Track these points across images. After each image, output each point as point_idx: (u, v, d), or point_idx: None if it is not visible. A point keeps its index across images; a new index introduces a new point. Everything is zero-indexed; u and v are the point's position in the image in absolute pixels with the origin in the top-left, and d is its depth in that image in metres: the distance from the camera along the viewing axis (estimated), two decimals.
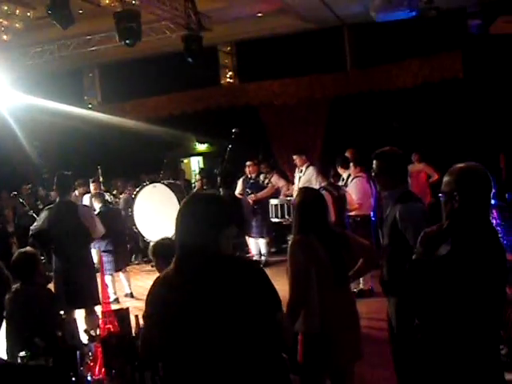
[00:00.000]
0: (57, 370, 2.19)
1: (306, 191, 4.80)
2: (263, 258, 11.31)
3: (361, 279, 8.23)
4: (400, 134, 12.31)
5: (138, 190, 11.83)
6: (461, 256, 3.05)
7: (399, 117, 13.16)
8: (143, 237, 11.96)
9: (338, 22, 13.76)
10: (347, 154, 9.77)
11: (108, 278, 9.18)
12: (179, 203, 9.55)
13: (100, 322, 4.70)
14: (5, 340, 5.00)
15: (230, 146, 9.67)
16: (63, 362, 4.12)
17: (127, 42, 10.14)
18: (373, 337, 5.25)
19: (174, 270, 2.78)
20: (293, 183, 11.67)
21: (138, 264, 13.03)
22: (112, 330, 4.52)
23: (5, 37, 12.06)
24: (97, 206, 9.98)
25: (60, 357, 4.14)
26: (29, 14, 11.95)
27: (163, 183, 11.65)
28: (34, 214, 10.30)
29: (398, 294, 4.35)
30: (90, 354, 4.38)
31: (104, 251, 9.68)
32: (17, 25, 11.99)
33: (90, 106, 17.11)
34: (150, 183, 11.75)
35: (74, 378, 4.12)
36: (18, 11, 11.83)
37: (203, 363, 2.62)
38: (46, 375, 2.02)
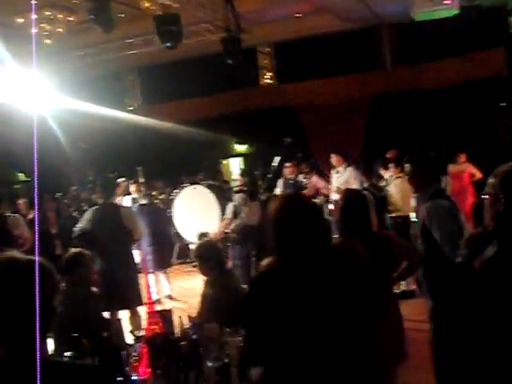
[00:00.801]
0: (103, 369, 2.20)
1: (349, 193, 4.78)
2: None
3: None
4: (441, 133, 12.16)
5: (177, 191, 11.92)
6: (508, 258, 3.01)
7: (440, 116, 13.01)
8: (183, 238, 12.04)
9: (377, 21, 13.65)
10: (389, 155, 9.69)
11: (150, 278, 9.24)
12: (219, 204, 9.60)
13: (145, 322, 4.76)
14: (53, 340, 5.07)
15: (279, 157, 9.66)
16: (109, 362, 4.18)
17: (168, 44, 10.23)
18: (415, 339, 5.19)
19: (285, 267, 2.89)
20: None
21: (178, 264, 13.10)
22: (157, 330, 4.58)
23: (47, 41, 12.27)
24: (137, 206, 10.08)
25: (106, 357, 4.20)
26: (71, 18, 12.15)
27: (203, 184, 11.72)
28: (78, 216, 10.45)
29: (434, 295, 4.32)
30: (135, 354, 4.43)
31: (146, 251, 9.74)
32: (59, 29, 12.20)
33: (130, 108, 17.31)
34: (190, 185, 11.83)
35: (119, 378, 4.18)
36: (60, 16, 12.03)
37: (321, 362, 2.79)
38: (92, 374, 2.04)
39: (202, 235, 10.38)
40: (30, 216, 11.09)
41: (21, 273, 1.94)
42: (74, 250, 5.87)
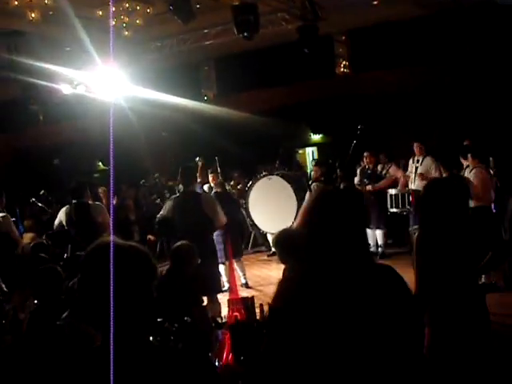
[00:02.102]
0: (189, 353, 2.20)
1: (433, 183, 4.67)
2: (380, 249, 11.15)
3: None
4: None
5: (252, 182, 11.96)
6: None
7: None
8: (259, 228, 12.09)
9: (455, 5, 13.26)
10: (466, 143, 9.47)
11: (221, 267, 9.25)
12: (295, 194, 9.58)
13: (226, 309, 4.82)
14: None
15: (354, 142, 9.58)
16: (194, 347, 4.25)
17: (245, 34, 10.28)
18: (496, 332, 5.05)
19: (318, 274, 2.51)
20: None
21: (254, 253, 13.17)
22: (239, 317, 4.64)
23: (126, 33, 12.55)
24: (213, 195, 10.16)
25: (191, 342, 4.28)
26: (148, 10, 12.38)
27: (278, 175, 11.71)
28: (161, 203, 10.59)
29: None
30: (218, 340, 4.50)
31: (218, 240, 9.74)
32: (137, 21, 12.45)
33: (206, 98, 17.50)
34: (265, 176, 11.83)
35: (204, 363, 4.25)
36: (138, 7, 12.28)
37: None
38: (180, 358, 2.05)
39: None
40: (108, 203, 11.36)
41: (122, 258, 1.97)
42: (183, 242, 6.00)
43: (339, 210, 2.54)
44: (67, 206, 8.13)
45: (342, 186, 8.63)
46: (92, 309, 2.02)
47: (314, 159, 18.03)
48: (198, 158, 10.01)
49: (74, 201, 8.05)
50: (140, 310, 2.04)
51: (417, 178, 10.43)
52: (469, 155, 9.01)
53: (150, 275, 2.08)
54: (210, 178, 11.36)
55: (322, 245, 2.53)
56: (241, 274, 10.20)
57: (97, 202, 8.66)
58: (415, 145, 10.84)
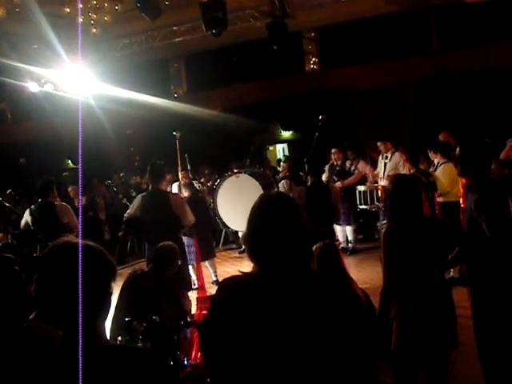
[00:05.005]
0: (156, 353, 2.20)
1: (399, 178, 4.71)
2: (350, 245, 11.23)
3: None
4: (492, 117, 11.92)
5: (220, 180, 11.90)
6: None
7: (491, 99, 12.73)
8: (228, 226, 12.06)
9: (422, 3, 13.39)
10: (441, 138, 9.53)
11: (190, 268, 9.20)
12: (264, 191, 9.51)
13: (195, 307, 4.81)
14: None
15: (316, 134, 9.61)
16: (161, 346, 4.24)
17: (214, 31, 10.27)
18: (464, 325, 5.11)
19: (262, 279, 2.41)
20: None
21: (225, 251, 13.16)
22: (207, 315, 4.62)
23: (94, 30, 12.43)
24: (185, 194, 10.11)
25: (158, 341, 4.26)
26: (117, 7, 12.27)
27: (246, 172, 11.68)
28: (127, 202, 10.52)
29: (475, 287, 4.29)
30: (186, 339, 4.48)
31: (188, 242, 9.68)
32: (105, 18, 12.34)
33: (175, 95, 17.43)
34: (233, 174, 11.78)
35: (172, 362, 4.24)
36: (106, 4, 12.16)
37: None
38: (145, 358, 2.05)
39: None
40: (78, 203, 11.25)
41: (77, 257, 1.97)
42: (167, 243, 6.00)
43: (273, 216, 2.45)
44: (32, 206, 8.05)
45: (309, 182, 8.63)
46: (50, 308, 2.04)
47: (284, 155, 18.07)
48: (175, 132, 9.80)
49: (39, 200, 7.95)
50: (98, 307, 2.07)
51: (384, 178, 10.50)
52: (438, 151, 9.12)
53: (106, 273, 2.10)
54: (181, 176, 11.30)
55: (256, 249, 2.45)
56: (212, 271, 10.17)
57: (63, 203, 8.52)
58: (379, 144, 10.95)
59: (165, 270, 5.64)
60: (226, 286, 2.49)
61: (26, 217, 7.95)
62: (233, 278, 2.50)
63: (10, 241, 7.65)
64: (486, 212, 4.18)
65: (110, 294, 2.11)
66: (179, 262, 6.01)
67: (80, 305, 1.93)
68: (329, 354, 2.35)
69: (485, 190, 4.31)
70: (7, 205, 10.38)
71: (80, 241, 2.07)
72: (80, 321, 1.92)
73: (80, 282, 1.94)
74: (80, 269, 1.95)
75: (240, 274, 2.51)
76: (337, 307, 2.42)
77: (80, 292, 1.94)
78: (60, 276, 1.98)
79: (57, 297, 2.00)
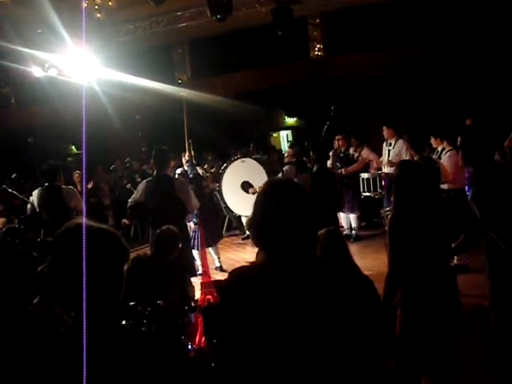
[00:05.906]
0: (160, 336, 2.20)
1: (405, 164, 4.69)
2: (354, 232, 11.24)
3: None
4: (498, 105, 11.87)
5: (226, 164, 11.91)
6: None
7: (496, 84, 12.67)
8: (232, 212, 12.07)
9: None
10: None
11: (195, 253, 9.23)
12: (268, 176, 9.53)
13: (199, 292, 4.83)
14: None
15: (327, 123, 9.60)
16: (166, 330, 4.26)
17: (218, 16, 10.22)
18: (466, 313, 5.13)
19: (274, 268, 2.37)
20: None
21: (228, 237, 13.17)
22: (211, 300, 4.64)
23: (98, 15, 12.36)
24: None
25: (163, 325, 4.28)
26: None
27: (251, 157, 11.70)
28: (132, 188, 10.52)
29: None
30: (190, 323, 4.50)
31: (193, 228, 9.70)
32: (109, 3, 12.27)
33: (180, 81, 17.36)
34: (238, 158, 11.80)
35: (175, 346, 4.25)
36: None
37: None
38: (150, 341, 2.06)
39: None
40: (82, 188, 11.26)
41: (91, 239, 1.96)
42: (169, 227, 6.02)
43: (282, 203, 2.42)
44: (39, 188, 8.05)
45: (314, 169, 8.63)
46: (62, 291, 2.02)
47: (288, 141, 18.06)
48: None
49: (46, 183, 7.96)
50: (110, 291, 2.05)
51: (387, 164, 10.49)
52: (445, 139, 9.10)
53: (119, 257, 2.09)
54: (184, 161, 11.27)
55: (264, 237, 2.42)
56: (215, 257, 10.20)
57: (69, 186, 8.55)
58: (384, 129, 10.91)
59: (165, 254, 5.66)
60: (236, 275, 2.44)
61: (33, 199, 7.96)
62: (242, 268, 2.50)
63: (16, 225, 7.69)
64: (479, 210, 4.19)
65: (123, 277, 2.10)
66: (180, 246, 6.02)
67: (92, 288, 1.92)
68: (341, 340, 2.34)
69: (483, 184, 4.30)
70: (10, 190, 10.39)
71: (92, 223, 2.06)
72: (86, 304, 1.91)
73: (93, 265, 1.94)
74: (93, 251, 1.95)
75: (248, 264, 2.52)
76: (348, 292, 2.40)
77: (93, 275, 1.93)
78: (73, 257, 1.95)
79: (69, 278, 1.98)
